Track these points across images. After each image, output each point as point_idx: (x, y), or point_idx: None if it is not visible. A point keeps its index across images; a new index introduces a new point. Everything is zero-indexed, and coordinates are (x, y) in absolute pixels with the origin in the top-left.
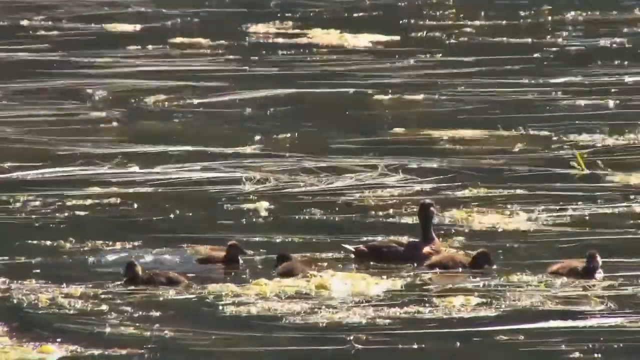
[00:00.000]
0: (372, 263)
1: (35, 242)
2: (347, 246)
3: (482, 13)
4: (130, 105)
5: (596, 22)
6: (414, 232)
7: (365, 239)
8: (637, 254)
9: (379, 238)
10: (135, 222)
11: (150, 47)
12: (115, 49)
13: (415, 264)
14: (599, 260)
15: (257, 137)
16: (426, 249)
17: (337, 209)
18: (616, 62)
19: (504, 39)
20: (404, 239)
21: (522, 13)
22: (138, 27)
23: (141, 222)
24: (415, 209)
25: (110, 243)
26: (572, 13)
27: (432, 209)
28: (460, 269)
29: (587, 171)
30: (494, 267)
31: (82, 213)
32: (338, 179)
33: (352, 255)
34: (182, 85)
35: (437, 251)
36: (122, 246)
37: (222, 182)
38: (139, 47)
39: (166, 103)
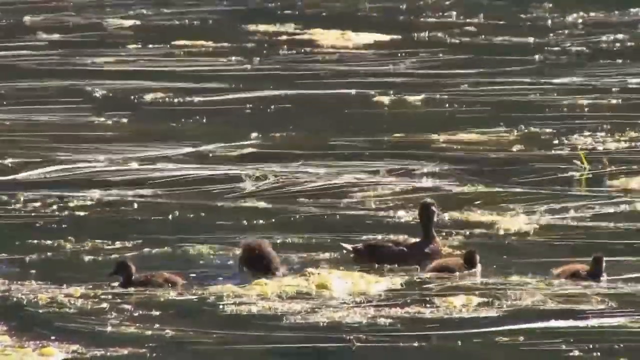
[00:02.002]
0: (376, 265)
1: (35, 241)
2: (345, 245)
3: (483, 13)
4: (131, 105)
5: (597, 22)
6: (415, 231)
7: (365, 237)
8: (637, 253)
9: (379, 237)
10: (135, 222)
11: (151, 47)
12: (116, 49)
13: (417, 265)
14: (604, 264)
15: (258, 138)
16: (426, 250)
17: (336, 209)
18: (618, 62)
19: (506, 38)
20: (402, 238)
21: (523, 14)
22: (139, 27)
23: (141, 222)
24: (415, 209)
25: (110, 243)
26: (574, 13)
27: (432, 208)
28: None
29: (589, 169)
30: (479, 267)
31: (82, 213)
32: (340, 179)
33: (351, 255)
34: (184, 85)
35: (438, 251)
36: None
37: (223, 182)
38: (140, 47)
39: (167, 103)
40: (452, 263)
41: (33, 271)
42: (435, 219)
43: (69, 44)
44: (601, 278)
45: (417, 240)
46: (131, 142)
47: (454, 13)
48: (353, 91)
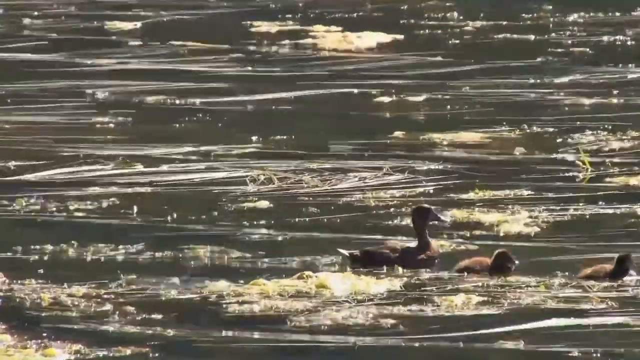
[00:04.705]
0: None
1: (37, 242)
2: (341, 250)
3: (484, 13)
4: (133, 106)
5: (599, 22)
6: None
7: (365, 237)
8: (638, 254)
9: (379, 237)
10: (136, 222)
11: (152, 47)
12: (117, 50)
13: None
14: (630, 262)
15: (260, 138)
16: (421, 256)
17: (337, 209)
18: (620, 62)
19: (507, 39)
20: (399, 244)
21: (524, 14)
22: (140, 27)
23: (142, 222)
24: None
25: (111, 243)
26: (575, 13)
27: (428, 212)
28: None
29: (591, 170)
30: (517, 262)
31: (84, 213)
32: (341, 180)
33: (347, 260)
34: (185, 86)
35: (433, 256)
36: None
37: (224, 183)
38: (141, 47)
39: (168, 104)
40: (478, 263)
41: (35, 271)
42: (431, 223)
43: (70, 45)
44: (629, 276)
45: (413, 246)
46: (132, 143)
47: (455, 13)
48: (354, 91)
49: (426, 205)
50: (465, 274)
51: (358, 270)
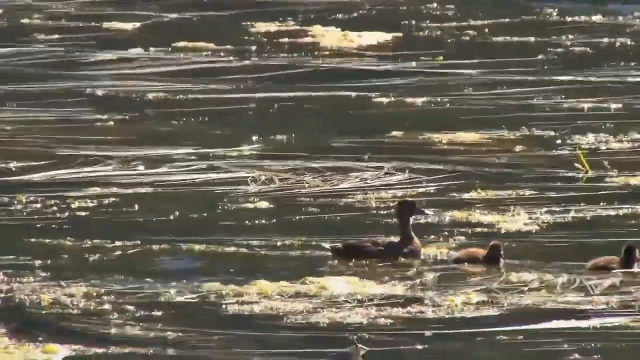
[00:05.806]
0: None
1: (37, 242)
2: (324, 244)
3: (484, 13)
4: (133, 106)
5: (599, 22)
6: (416, 231)
7: (366, 237)
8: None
9: (380, 238)
10: (136, 222)
11: (151, 47)
12: (117, 50)
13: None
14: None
15: (259, 138)
16: (404, 250)
17: (336, 209)
18: (620, 63)
19: (507, 39)
20: (381, 239)
21: (524, 14)
22: (139, 27)
23: (142, 222)
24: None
25: (111, 243)
26: (575, 14)
27: (417, 205)
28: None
29: (590, 171)
30: (502, 261)
31: (83, 213)
32: (342, 180)
33: (330, 254)
34: (185, 86)
35: (416, 250)
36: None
37: (225, 183)
38: (141, 48)
39: (168, 104)
40: (472, 254)
41: (35, 271)
42: (415, 219)
43: (70, 46)
44: (633, 268)
45: (396, 240)
46: (132, 143)
47: (455, 14)
48: (353, 93)
49: (410, 200)
50: (465, 264)
51: (359, 272)
